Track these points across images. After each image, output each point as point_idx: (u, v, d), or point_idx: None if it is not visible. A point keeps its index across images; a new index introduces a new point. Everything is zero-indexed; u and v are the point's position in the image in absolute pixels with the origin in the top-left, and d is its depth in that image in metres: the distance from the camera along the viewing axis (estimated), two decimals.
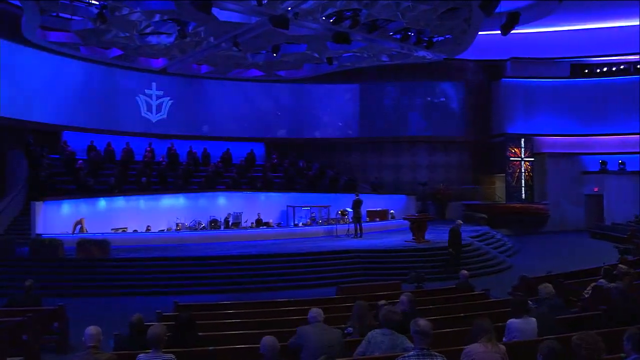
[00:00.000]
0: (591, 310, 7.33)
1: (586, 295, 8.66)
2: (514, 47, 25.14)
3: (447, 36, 20.07)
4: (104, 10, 15.56)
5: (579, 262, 14.18)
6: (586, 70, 27.84)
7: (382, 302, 7.09)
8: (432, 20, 17.84)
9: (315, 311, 5.74)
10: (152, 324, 5.68)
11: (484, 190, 28.74)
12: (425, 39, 19.37)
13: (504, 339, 5.89)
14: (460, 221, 16.13)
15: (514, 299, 6.46)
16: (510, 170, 27.55)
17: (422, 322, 4.56)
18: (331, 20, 17.17)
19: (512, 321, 5.97)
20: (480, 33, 19.51)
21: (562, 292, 8.89)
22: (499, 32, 16.67)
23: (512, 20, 15.99)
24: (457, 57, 22.92)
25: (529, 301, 6.47)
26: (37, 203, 17.18)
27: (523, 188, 27.59)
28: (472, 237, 18.92)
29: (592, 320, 6.78)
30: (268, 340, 4.99)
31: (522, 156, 27.54)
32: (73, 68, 21.92)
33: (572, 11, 20.61)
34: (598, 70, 27.70)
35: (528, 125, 27.57)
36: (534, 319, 5.97)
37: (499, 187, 28.53)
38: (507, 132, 27.63)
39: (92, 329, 5.16)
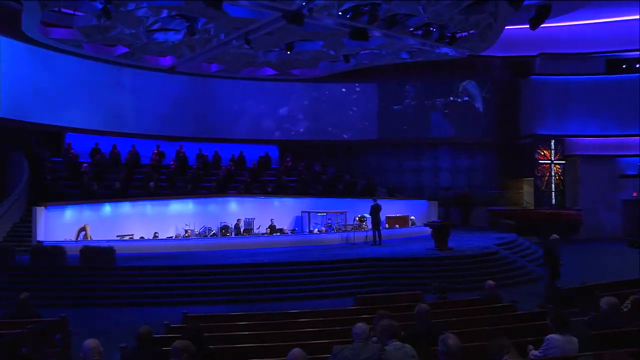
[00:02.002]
0: (631, 325, 7.17)
1: (625, 309, 8.49)
2: (543, 42, 24.97)
3: (471, 31, 20.00)
4: (108, 6, 15.62)
5: (616, 273, 13.99)
6: (624, 66, 27.47)
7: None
8: (455, 15, 17.76)
9: (359, 327, 5.45)
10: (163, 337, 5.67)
11: (510, 195, 28.52)
12: (448, 34, 19.29)
13: (538, 353, 5.78)
14: (556, 235, 15.34)
15: (553, 313, 6.32)
16: (539, 174, 27.28)
17: (452, 341, 4.47)
18: (348, 16, 17.16)
19: (553, 337, 5.77)
20: (506, 27, 19.39)
21: (598, 306, 8.73)
22: (527, 26, 16.52)
23: (542, 13, 15.81)
24: (482, 53, 22.81)
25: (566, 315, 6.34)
26: (38, 208, 17.34)
27: (553, 193, 27.31)
28: (498, 245, 18.75)
29: (632, 337, 6.63)
30: (296, 353, 4.87)
31: (552, 159, 27.25)
32: (76, 66, 22.05)
33: (606, 2, 20.40)
34: (638, 66, 27.30)
35: (559, 126, 27.28)
36: (575, 339, 5.79)
37: (527, 192, 28.27)
38: (536, 133, 27.37)
39: (90, 342, 5.13)
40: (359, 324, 5.49)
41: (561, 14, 20.88)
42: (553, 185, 27.33)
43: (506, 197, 28.26)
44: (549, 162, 27.30)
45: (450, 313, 8.85)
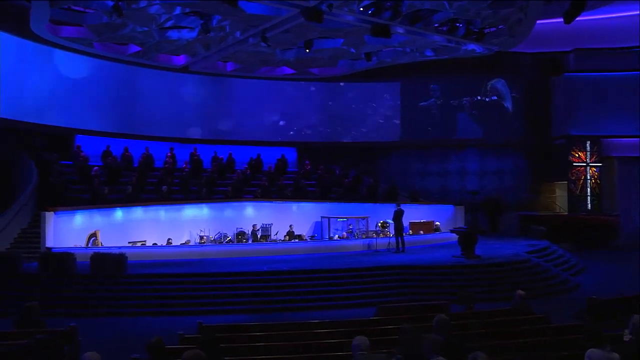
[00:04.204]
0: None
1: None
2: (578, 36, 24.61)
3: (500, 27, 19.85)
4: (119, 3, 15.81)
5: None
6: None
7: None
8: (482, 10, 17.66)
9: (359, 340, 5.57)
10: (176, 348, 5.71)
11: (542, 200, 28.24)
12: (475, 30, 19.19)
13: None
14: None
15: (588, 327, 6.23)
16: (574, 177, 26.97)
17: (482, 357, 4.46)
18: (369, 12, 17.16)
19: (594, 351, 5.66)
20: (538, 22, 19.23)
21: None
22: (560, 20, 16.35)
23: (578, 6, 15.63)
24: (511, 50, 22.62)
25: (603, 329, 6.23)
26: (47, 213, 17.47)
27: (588, 197, 26.96)
28: (529, 253, 18.59)
29: None
30: None
31: (588, 161, 26.94)
32: (87, 66, 22.32)
33: None
34: None
35: (595, 126, 26.88)
36: (617, 355, 5.64)
37: (559, 196, 27.98)
38: (570, 134, 27.06)
39: (90, 355, 5.17)
40: (358, 337, 5.62)
41: (598, 6, 20.60)
42: (588, 189, 26.98)
43: (538, 202, 27.99)
44: (584, 164, 26.97)
45: (477, 324, 8.80)
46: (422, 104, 28.21)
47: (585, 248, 23.52)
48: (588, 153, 26.95)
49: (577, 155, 26.96)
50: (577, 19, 16.28)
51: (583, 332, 6.18)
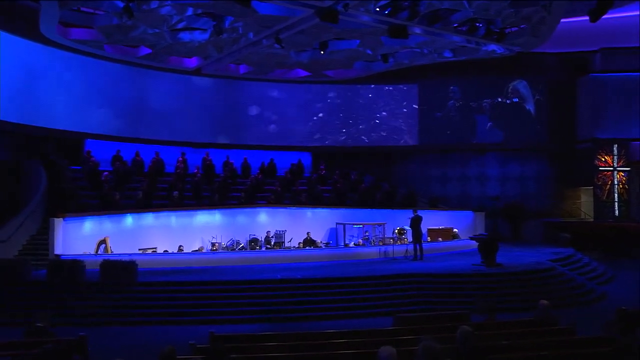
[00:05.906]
0: None
1: None
2: (604, 35, 24.44)
3: (522, 26, 19.78)
4: (130, 4, 15.92)
5: None
6: None
7: None
8: (503, 9, 17.61)
9: (384, 351, 5.26)
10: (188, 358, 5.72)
11: (567, 206, 28.03)
12: (496, 30, 19.15)
13: None
14: None
15: (619, 339, 6.16)
16: (600, 183, 26.75)
17: None
18: (386, 12, 17.17)
19: None
20: (562, 20, 19.11)
21: None
22: (585, 18, 16.24)
23: (604, 4, 15.52)
24: (534, 50, 22.52)
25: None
26: (56, 220, 17.56)
27: (616, 203, 26.72)
28: (553, 261, 18.44)
29: None
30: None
31: (615, 165, 26.71)
32: (97, 69, 22.52)
33: None
34: None
35: (622, 128, 26.66)
36: None
37: (585, 202, 27.76)
38: (596, 137, 26.85)
39: None
40: (385, 347, 5.32)
41: (626, 3, 20.45)
42: (615, 194, 26.74)
43: (562, 208, 27.79)
44: (611, 169, 26.74)
45: (499, 335, 8.74)
46: (438, 114, 28.15)
47: (613, 256, 23.29)
48: (615, 157, 26.72)
49: (603, 159, 26.73)
50: (604, 17, 16.16)
51: (613, 345, 6.10)
